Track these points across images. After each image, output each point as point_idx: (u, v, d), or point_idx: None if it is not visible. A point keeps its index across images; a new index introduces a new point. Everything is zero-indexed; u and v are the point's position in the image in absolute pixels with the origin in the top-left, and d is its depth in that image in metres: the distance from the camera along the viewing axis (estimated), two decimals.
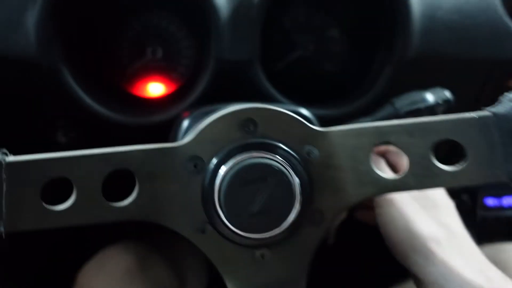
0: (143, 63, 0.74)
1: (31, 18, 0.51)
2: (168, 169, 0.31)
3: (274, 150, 0.31)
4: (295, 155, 0.32)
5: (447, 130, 0.28)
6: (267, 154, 0.31)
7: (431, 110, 0.51)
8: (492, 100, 0.68)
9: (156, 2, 0.72)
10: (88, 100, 0.55)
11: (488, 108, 0.28)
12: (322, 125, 0.61)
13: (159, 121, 0.58)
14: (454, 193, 0.90)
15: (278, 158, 0.31)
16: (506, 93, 0.28)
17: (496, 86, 0.66)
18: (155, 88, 0.75)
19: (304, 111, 0.51)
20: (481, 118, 0.27)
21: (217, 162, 0.31)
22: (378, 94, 0.61)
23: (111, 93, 0.63)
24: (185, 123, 0.50)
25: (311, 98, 0.73)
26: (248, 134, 0.32)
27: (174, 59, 0.75)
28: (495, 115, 0.27)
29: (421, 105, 0.51)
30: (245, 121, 0.32)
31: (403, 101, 0.53)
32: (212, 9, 0.53)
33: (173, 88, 0.75)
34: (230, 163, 0.31)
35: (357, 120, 0.55)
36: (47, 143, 0.69)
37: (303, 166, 0.32)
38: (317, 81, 0.76)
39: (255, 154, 0.31)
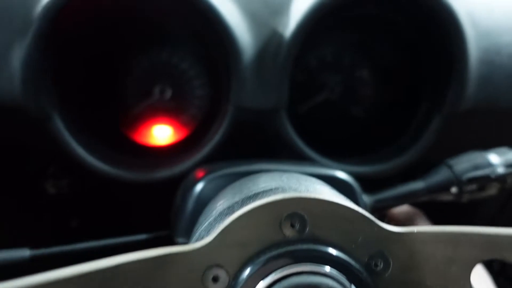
0: (150, 104, 0.65)
1: (18, 55, 0.42)
2: (176, 285, 0.22)
3: (330, 261, 0.22)
4: (359, 267, 0.22)
5: None
6: (321, 268, 0.21)
7: (500, 178, 0.42)
8: None
9: (167, 38, 0.64)
10: (82, 152, 0.46)
11: None
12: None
13: (165, 177, 0.49)
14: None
15: (336, 274, 0.21)
16: None
17: None
18: (162, 132, 0.67)
19: (342, 175, 0.41)
20: None
21: (248, 277, 0.22)
22: (423, 150, 0.51)
23: (111, 141, 0.54)
24: (198, 187, 0.40)
25: (342, 149, 0.64)
26: (294, 236, 0.22)
27: (185, 99, 0.67)
28: None
29: (489, 172, 0.42)
30: (288, 216, 0.22)
31: (464, 165, 0.43)
32: (235, 50, 0.44)
33: (183, 133, 0.66)
34: (268, 280, 0.21)
35: (404, 185, 0.45)
36: (35, 194, 0.60)
37: (371, 283, 0.22)
38: (348, 129, 0.67)
39: (304, 268, 0.21)
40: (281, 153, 0.53)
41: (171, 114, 0.66)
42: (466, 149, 0.47)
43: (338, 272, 0.22)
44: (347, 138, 0.66)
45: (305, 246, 0.22)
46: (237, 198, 0.30)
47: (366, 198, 0.43)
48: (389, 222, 0.49)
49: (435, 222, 0.49)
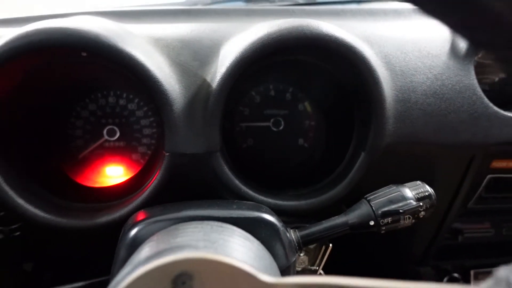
0: (99, 145, 0.68)
1: None
2: None
3: None
4: None
5: None
6: None
7: (411, 211, 0.46)
8: (476, 183, 0.64)
9: (113, 83, 0.67)
10: (23, 203, 0.48)
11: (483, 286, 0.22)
12: (293, 218, 0.56)
13: (107, 223, 0.51)
14: (445, 272, 0.84)
15: None
16: (499, 269, 0.22)
17: (481, 168, 0.62)
18: (115, 171, 0.69)
19: (266, 217, 0.44)
20: None
21: None
22: (351, 184, 0.55)
23: (56, 188, 0.55)
24: (132, 234, 0.42)
25: (280, 180, 0.67)
26: None
27: (134, 138, 0.69)
28: None
29: (401, 207, 0.45)
30: (178, 276, 0.25)
31: (380, 200, 0.47)
32: (165, 102, 0.47)
33: (134, 171, 0.69)
34: None
35: (329, 220, 0.48)
36: None
37: None
38: (290, 162, 0.71)
39: None
40: (220, 189, 0.56)
41: (121, 153, 0.69)
42: (388, 182, 0.51)
43: None
44: (288, 170, 0.70)
45: None
46: (153, 251, 0.32)
47: (292, 234, 0.46)
48: None
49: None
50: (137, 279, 0.25)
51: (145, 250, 0.34)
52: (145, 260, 0.29)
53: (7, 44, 0.41)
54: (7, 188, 0.48)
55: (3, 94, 0.47)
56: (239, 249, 0.32)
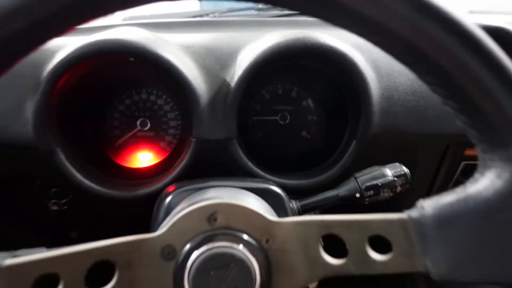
0: (133, 134, 0.80)
1: (30, 107, 0.57)
2: (145, 257, 0.36)
3: (236, 240, 0.37)
4: (255, 243, 0.37)
5: (376, 227, 0.34)
6: (230, 243, 0.36)
7: (389, 185, 0.57)
8: (453, 169, 0.75)
9: (146, 81, 0.79)
10: (80, 177, 0.61)
11: (407, 211, 0.34)
12: (295, 194, 0.68)
13: (145, 194, 0.63)
14: None
15: (240, 247, 0.36)
16: (420, 199, 0.33)
17: (455, 155, 0.73)
18: (145, 157, 0.81)
19: (274, 188, 0.56)
20: (400, 220, 0.33)
21: (187, 251, 0.36)
22: (344, 167, 0.66)
23: (102, 167, 0.68)
24: (167, 200, 0.55)
25: (286, 165, 0.79)
26: (214, 226, 0.37)
27: (162, 129, 0.82)
28: (410, 218, 0.33)
29: (380, 182, 0.57)
30: (211, 214, 0.37)
31: (365, 177, 0.59)
32: (193, 98, 0.59)
33: (162, 156, 0.81)
34: (197, 252, 0.36)
35: (324, 193, 0.60)
36: (40, 211, 0.73)
37: (262, 252, 0.37)
38: (294, 150, 0.83)
39: (219, 244, 0.36)
40: (236, 172, 0.68)
41: (151, 141, 0.81)
42: (373, 165, 0.63)
43: (242, 246, 0.36)
44: (292, 157, 0.82)
45: (221, 231, 0.37)
46: (190, 202, 0.45)
47: (294, 204, 0.58)
48: None
49: None
50: (182, 216, 0.37)
51: (183, 203, 0.46)
52: (186, 207, 0.42)
53: (76, 50, 0.54)
54: (68, 165, 0.60)
55: (68, 88, 0.60)
56: (252, 203, 0.44)
